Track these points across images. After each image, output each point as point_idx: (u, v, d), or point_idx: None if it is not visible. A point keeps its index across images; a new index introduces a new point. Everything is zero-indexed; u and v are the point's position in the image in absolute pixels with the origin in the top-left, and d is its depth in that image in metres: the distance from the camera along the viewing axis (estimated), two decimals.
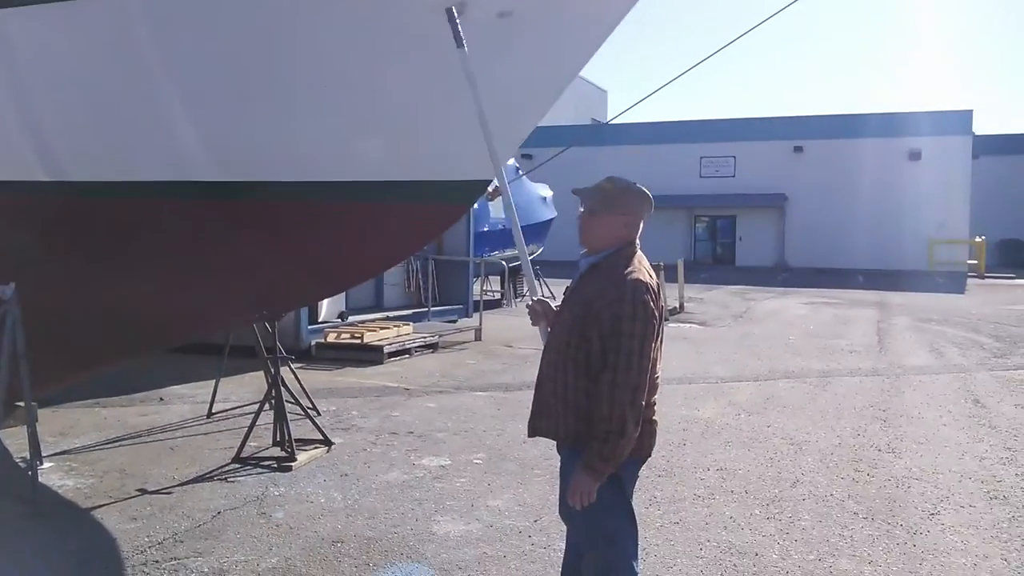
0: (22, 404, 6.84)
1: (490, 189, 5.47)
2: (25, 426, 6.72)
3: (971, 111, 34.04)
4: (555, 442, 3.06)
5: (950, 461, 6.21)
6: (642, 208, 3.04)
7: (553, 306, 3.19)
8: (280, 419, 6.06)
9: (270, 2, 4.62)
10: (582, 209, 3.05)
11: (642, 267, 2.93)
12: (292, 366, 7.47)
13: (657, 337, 2.86)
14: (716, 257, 36.99)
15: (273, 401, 6.21)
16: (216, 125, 5.03)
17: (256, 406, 6.39)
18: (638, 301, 2.79)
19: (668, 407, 7.83)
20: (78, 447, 6.19)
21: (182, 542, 4.42)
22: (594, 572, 2.99)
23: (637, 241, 3.03)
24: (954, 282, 26.50)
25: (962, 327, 14.85)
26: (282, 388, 6.24)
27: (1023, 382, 9.46)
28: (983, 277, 29.50)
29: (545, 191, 21.05)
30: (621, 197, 3.02)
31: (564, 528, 4.64)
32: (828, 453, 6.36)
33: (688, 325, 15.37)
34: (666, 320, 15.38)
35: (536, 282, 4.21)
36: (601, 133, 36.68)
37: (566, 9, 4.56)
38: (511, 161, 19.70)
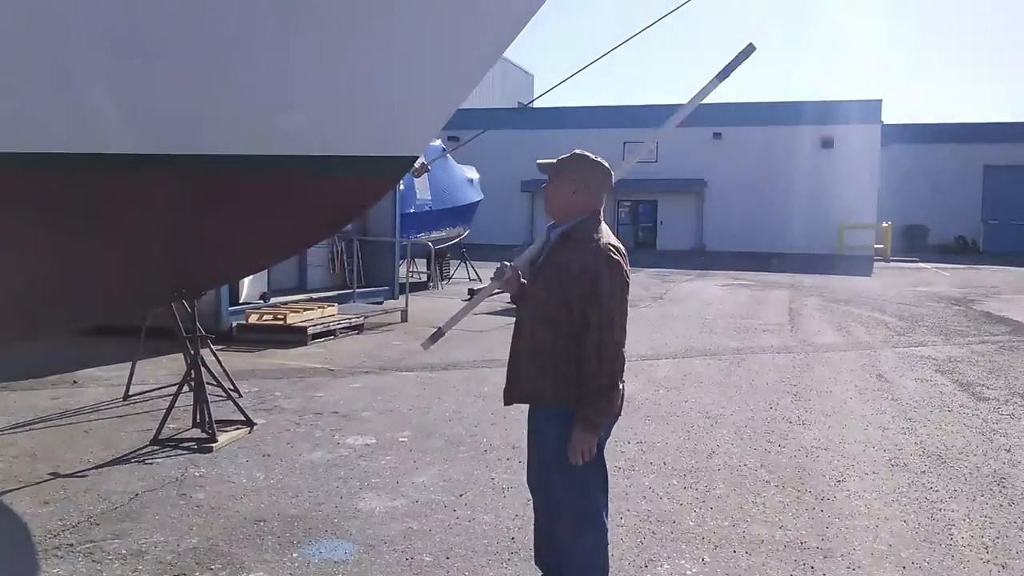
0: None
1: (417, 165, 5.45)
2: None
3: (880, 101, 35.42)
4: (523, 408, 3.26)
5: (855, 432, 6.52)
6: (595, 175, 3.22)
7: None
8: (200, 400, 5.96)
9: None
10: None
11: (610, 234, 3.18)
12: (212, 347, 7.33)
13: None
14: (638, 241, 37.59)
15: (192, 382, 6.10)
16: (130, 93, 4.85)
17: (174, 388, 6.26)
18: (613, 263, 3.05)
19: None
20: None
21: (98, 525, 4.32)
22: (571, 525, 3.20)
23: (602, 211, 3.24)
24: (862, 265, 27.62)
25: (868, 307, 15.51)
26: (202, 369, 6.13)
27: (923, 358, 9.98)
28: (889, 261, 30.83)
29: (472, 173, 21.03)
30: (574, 165, 3.23)
31: (487, 501, 4.76)
32: (742, 426, 6.61)
33: None
34: None
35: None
36: (527, 116, 36.77)
37: None
38: (437, 141, 19.61)
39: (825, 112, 34.12)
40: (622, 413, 3.31)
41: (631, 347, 11.16)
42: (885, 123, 35.78)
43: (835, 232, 33.56)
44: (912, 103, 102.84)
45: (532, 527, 3.58)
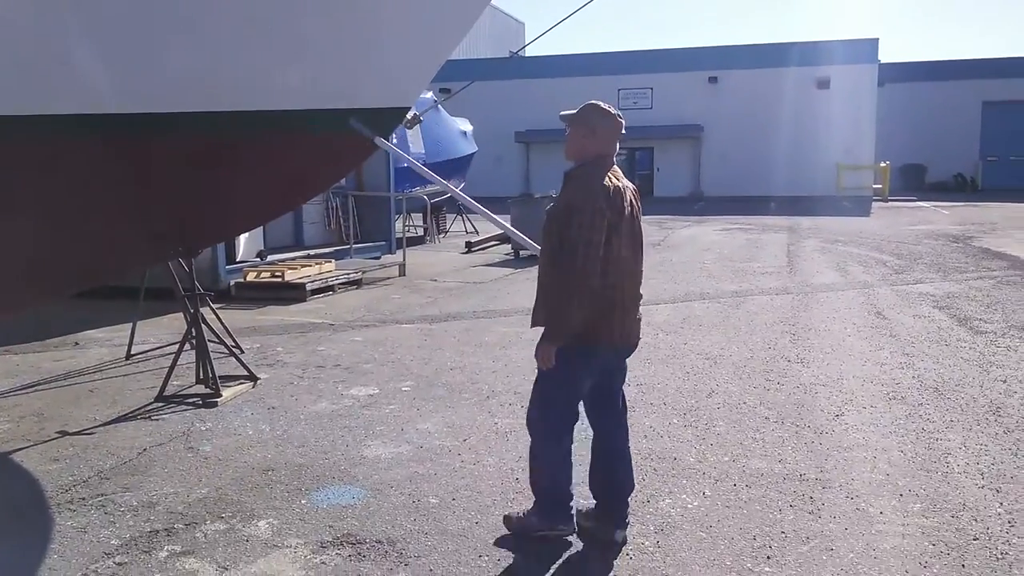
0: None
1: (408, 116, 5.41)
2: None
3: (877, 39, 34.87)
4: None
5: (854, 368, 6.58)
6: (601, 121, 3.55)
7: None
8: (202, 356, 6.00)
9: None
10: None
11: (609, 176, 3.46)
12: (212, 305, 7.36)
13: (617, 232, 3.38)
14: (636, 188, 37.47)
15: (194, 340, 6.13)
16: (120, 53, 4.80)
17: (176, 347, 6.29)
18: (588, 197, 3.35)
19: None
20: None
21: (108, 479, 4.39)
22: (534, 436, 3.64)
23: (610, 156, 3.56)
24: (860, 206, 27.54)
25: (866, 247, 15.52)
26: (203, 326, 6.16)
27: (921, 295, 10.02)
28: (887, 200, 30.71)
29: (465, 125, 20.85)
30: (585, 113, 3.58)
31: (491, 445, 4.84)
32: (741, 366, 6.67)
33: None
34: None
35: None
36: (518, 66, 36.30)
37: None
38: (428, 93, 19.39)
39: (821, 52, 33.65)
40: (619, 347, 3.58)
41: None
42: (882, 62, 35.34)
43: (833, 173, 33.37)
44: (909, 41, 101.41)
45: None
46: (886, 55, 49.40)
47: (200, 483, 4.33)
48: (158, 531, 3.77)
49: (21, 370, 6.73)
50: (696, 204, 30.31)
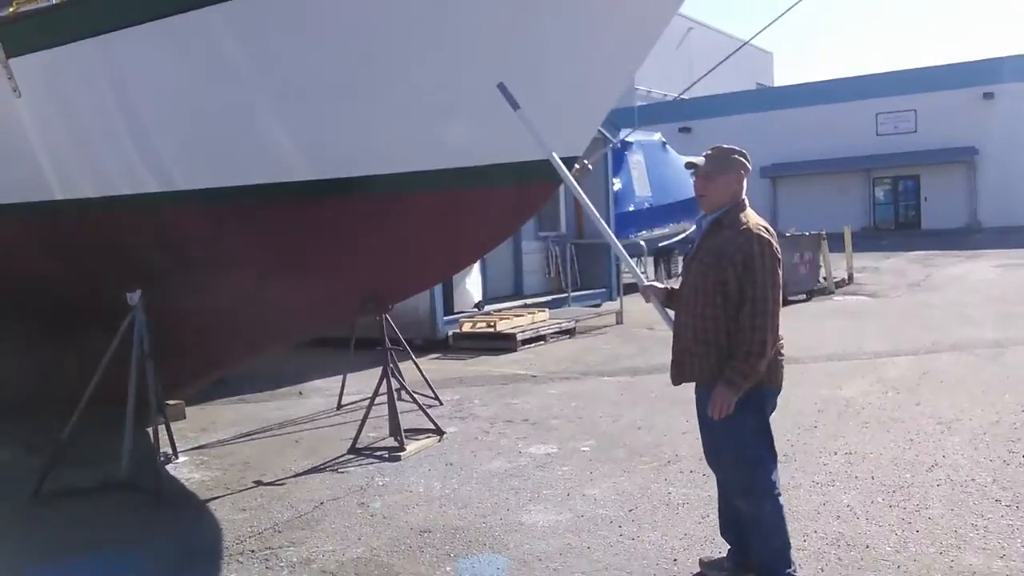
0: (173, 402, 7.46)
1: (577, 166, 5.27)
2: (174, 421, 7.35)
3: None
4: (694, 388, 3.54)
5: None
6: (735, 166, 3.55)
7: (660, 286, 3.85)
8: (392, 410, 6.18)
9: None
10: (694, 177, 3.59)
11: (757, 217, 3.47)
12: (414, 356, 7.64)
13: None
14: (899, 222, 34.34)
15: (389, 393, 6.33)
16: (310, 127, 5.16)
17: (383, 397, 6.50)
18: (764, 242, 3.33)
19: (807, 387, 7.32)
20: (214, 441, 6.60)
21: (280, 532, 4.58)
22: (748, 497, 3.44)
23: (745, 198, 3.54)
24: None
25: None
26: (397, 378, 6.36)
27: None
28: None
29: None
30: (728, 160, 3.55)
31: (657, 518, 4.47)
32: (980, 433, 5.68)
33: (853, 298, 14.36)
34: (831, 293, 14.34)
35: (633, 262, 4.37)
36: (766, 97, 35.02)
37: None
38: (657, 136, 19.18)
39: None
40: (782, 387, 3.51)
41: (863, 344, 10.19)
42: None
43: None
44: None
45: (699, 547, 4.04)
46: None
47: (358, 542, 4.39)
48: None
49: (247, 418, 7.35)
50: (971, 237, 27.07)
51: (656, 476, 5.18)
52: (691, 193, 15.75)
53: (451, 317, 10.53)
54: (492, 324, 10.22)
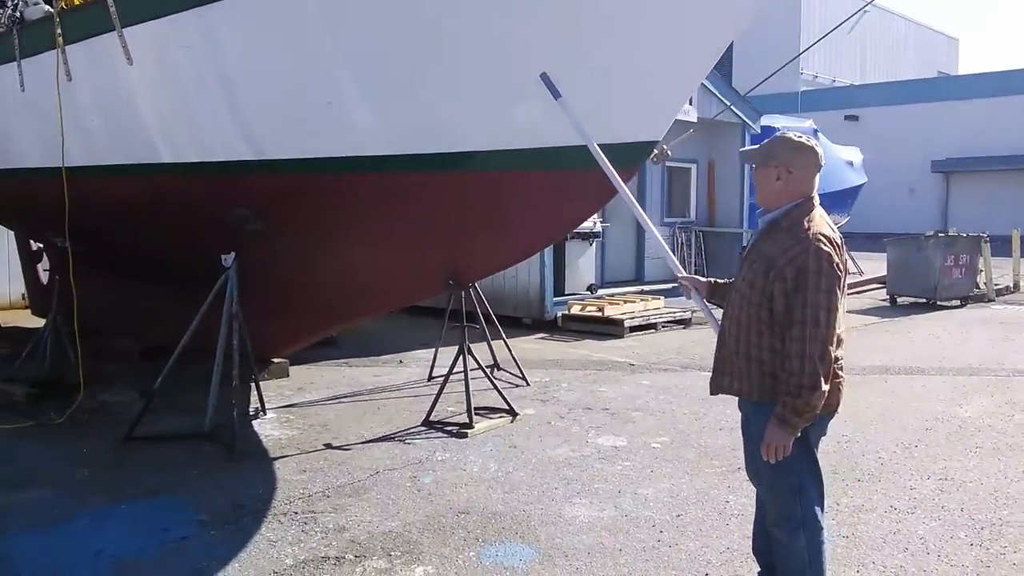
0: (277, 360, 7.80)
1: (655, 151, 5.03)
2: (277, 379, 7.68)
3: None
4: (736, 399, 3.19)
5: None
6: (798, 158, 3.04)
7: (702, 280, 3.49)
8: (466, 386, 6.17)
9: None
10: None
11: (823, 222, 2.98)
12: (504, 336, 7.62)
13: (842, 289, 2.89)
14: None
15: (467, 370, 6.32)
16: (415, 100, 5.15)
17: (476, 371, 6.51)
18: (822, 255, 2.85)
19: (921, 401, 6.72)
20: (304, 401, 6.83)
21: (328, 497, 4.68)
22: (781, 524, 3.08)
23: (815, 196, 3.06)
24: None
25: None
26: (474, 356, 6.35)
27: None
28: None
29: (853, 155, 19.10)
30: (775, 150, 3.08)
31: (704, 527, 4.22)
32: None
33: (1014, 307, 13.03)
34: (989, 301, 13.16)
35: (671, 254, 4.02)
36: (943, 87, 32.33)
37: None
38: (808, 123, 18.14)
39: None
40: (838, 412, 3.08)
41: (1005, 358, 9.26)
42: None
43: None
44: None
45: (738, 563, 3.76)
46: None
47: (396, 516, 4.40)
48: (328, 558, 3.91)
49: (344, 382, 7.57)
50: None
51: (719, 482, 4.89)
52: (842, 185, 14.88)
53: (561, 299, 10.42)
54: (600, 308, 10.02)
